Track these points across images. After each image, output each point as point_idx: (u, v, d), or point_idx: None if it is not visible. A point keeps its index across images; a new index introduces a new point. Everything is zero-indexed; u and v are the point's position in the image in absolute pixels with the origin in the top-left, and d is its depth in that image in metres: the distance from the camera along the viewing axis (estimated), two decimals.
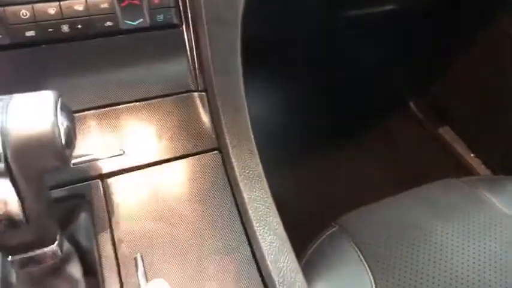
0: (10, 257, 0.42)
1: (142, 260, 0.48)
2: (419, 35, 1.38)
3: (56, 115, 0.37)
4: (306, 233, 0.80)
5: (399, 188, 0.93)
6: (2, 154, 0.35)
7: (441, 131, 1.43)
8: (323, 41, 1.31)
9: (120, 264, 0.48)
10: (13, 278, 0.47)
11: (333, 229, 0.84)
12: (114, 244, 0.49)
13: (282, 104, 0.75)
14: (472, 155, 1.33)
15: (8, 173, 0.36)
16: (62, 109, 0.38)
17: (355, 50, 1.47)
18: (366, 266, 0.77)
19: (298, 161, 0.57)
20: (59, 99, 0.38)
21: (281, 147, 0.56)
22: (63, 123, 0.37)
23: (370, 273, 0.76)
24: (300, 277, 0.49)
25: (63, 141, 0.37)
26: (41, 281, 0.45)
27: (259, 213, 0.52)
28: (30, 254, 0.42)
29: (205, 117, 0.58)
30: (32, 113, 0.36)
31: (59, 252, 0.45)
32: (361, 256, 0.78)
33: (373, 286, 0.74)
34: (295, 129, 0.72)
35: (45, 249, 0.43)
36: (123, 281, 0.47)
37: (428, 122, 1.47)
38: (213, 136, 0.56)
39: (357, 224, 0.85)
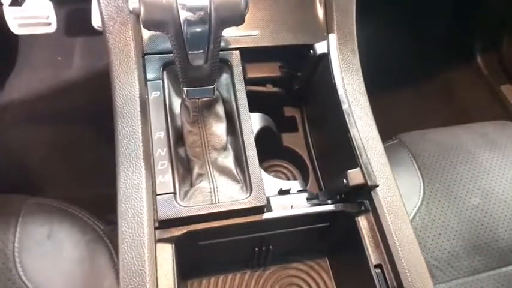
0: (186, 89, 0.62)
1: None
2: None
3: None
4: None
5: None
6: (208, 7, 0.53)
7: (503, 89, 1.50)
8: None
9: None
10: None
11: (394, 141, 1.00)
12: (248, 97, 0.67)
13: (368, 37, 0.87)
14: None
15: (208, 20, 0.53)
16: None
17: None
18: (418, 172, 0.93)
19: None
20: None
21: None
22: None
23: (420, 178, 0.92)
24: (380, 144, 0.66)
25: (244, 6, 0.54)
26: (198, 110, 0.65)
27: (354, 95, 0.68)
28: (199, 87, 0.61)
29: (321, 17, 0.73)
30: None
31: (213, 93, 0.64)
32: (415, 164, 0.94)
33: (421, 187, 0.91)
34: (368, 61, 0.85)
35: (209, 87, 0.62)
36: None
37: (493, 79, 1.53)
38: (325, 34, 0.72)
39: (414, 140, 1.00)
